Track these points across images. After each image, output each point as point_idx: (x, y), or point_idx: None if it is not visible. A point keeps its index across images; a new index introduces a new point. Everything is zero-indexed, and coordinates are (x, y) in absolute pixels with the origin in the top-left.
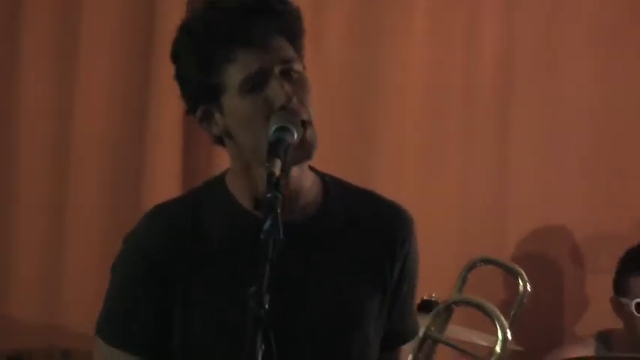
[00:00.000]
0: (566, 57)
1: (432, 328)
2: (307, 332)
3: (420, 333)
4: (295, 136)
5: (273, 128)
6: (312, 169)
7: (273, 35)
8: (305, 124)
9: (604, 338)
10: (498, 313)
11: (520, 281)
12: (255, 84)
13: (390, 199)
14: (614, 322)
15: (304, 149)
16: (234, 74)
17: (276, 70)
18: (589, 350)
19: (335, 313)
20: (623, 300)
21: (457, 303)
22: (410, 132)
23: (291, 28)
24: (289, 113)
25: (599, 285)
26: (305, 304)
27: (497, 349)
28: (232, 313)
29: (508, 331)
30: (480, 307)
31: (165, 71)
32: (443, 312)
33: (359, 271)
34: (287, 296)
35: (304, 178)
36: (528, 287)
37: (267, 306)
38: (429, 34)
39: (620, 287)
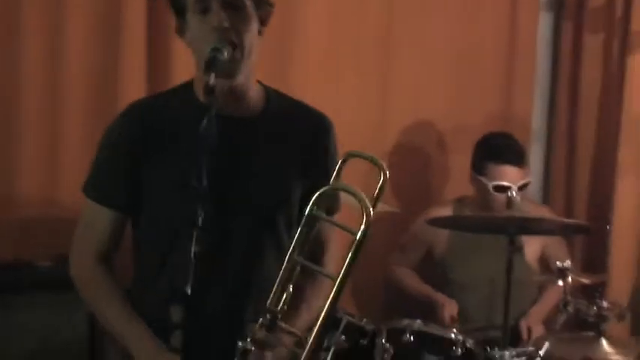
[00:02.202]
0: None
1: (315, 208)
2: (244, 202)
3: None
4: (225, 54)
5: (209, 47)
6: (259, 82)
7: None
8: (235, 46)
9: (460, 202)
10: (363, 196)
11: (380, 170)
12: (203, 7)
13: (317, 109)
14: (468, 190)
15: (232, 66)
16: None
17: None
18: (448, 211)
19: (267, 190)
20: (482, 178)
21: (329, 190)
22: (317, 53)
23: None
24: (220, 35)
25: (459, 163)
26: (245, 179)
27: (362, 226)
28: (183, 182)
29: (371, 210)
30: (347, 191)
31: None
32: (321, 196)
33: (289, 162)
34: (233, 171)
35: (248, 86)
36: (387, 175)
37: (205, 182)
38: None
39: (478, 168)
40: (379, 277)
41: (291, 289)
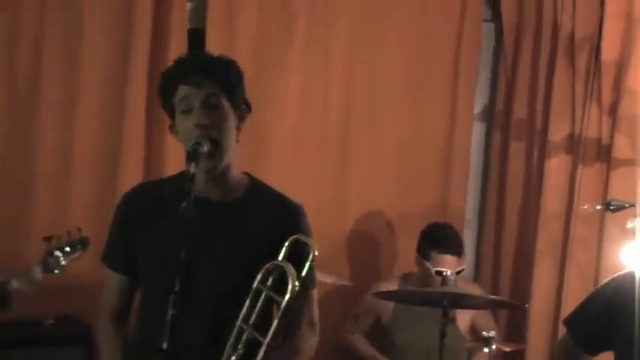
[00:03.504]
0: (388, 99)
1: (260, 283)
2: (211, 278)
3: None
4: (205, 148)
5: (191, 142)
6: (247, 174)
7: (204, 80)
8: (214, 141)
9: (404, 278)
10: (293, 271)
11: (311, 251)
12: (186, 106)
13: (292, 200)
14: (412, 267)
15: (211, 160)
16: (177, 97)
17: (199, 101)
18: (394, 285)
19: (230, 270)
20: (426, 263)
21: (270, 266)
22: (287, 142)
23: (221, 77)
24: (201, 131)
25: (404, 245)
26: (214, 259)
27: (287, 295)
28: (163, 255)
29: (297, 283)
30: (282, 266)
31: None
32: (267, 272)
33: (257, 247)
34: (204, 252)
35: (229, 174)
36: (316, 253)
37: (183, 256)
38: (302, 81)
39: (423, 253)
40: (335, 340)
41: (240, 352)
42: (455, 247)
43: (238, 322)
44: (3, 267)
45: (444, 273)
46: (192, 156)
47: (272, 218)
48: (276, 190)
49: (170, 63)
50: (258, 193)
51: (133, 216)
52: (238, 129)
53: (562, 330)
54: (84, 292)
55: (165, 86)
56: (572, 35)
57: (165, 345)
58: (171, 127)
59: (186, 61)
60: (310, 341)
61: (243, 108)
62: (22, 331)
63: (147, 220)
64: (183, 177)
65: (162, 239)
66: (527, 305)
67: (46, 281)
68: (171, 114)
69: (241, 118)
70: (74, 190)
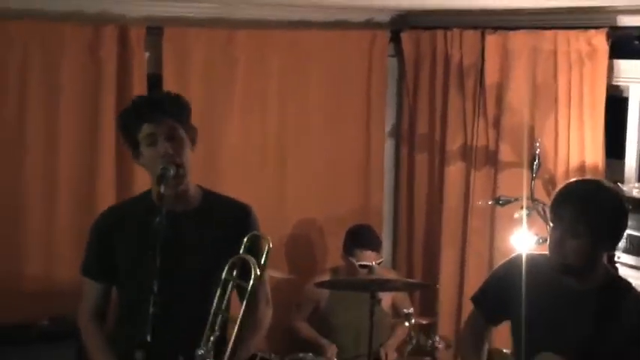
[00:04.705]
0: (315, 123)
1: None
2: (183, 272)
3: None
4: (172, 172)
5: (159, 167)
6: (198, 185)
7: (164, 117)
8: (178, 165)
9: (334, 270)
10: (254, 261)
11: (266, 244)
12: (151, 141)
13: (242, 202)
14: (339, 262)
15: (177, 180)
16: (142, 135)
17: (162, 135)
18: (327, 276)
19: (200, 267)
20: (351, 258)
21: (235, 259)
22: (233, 162)
23: (176, 112)
24: (167, 159)
25: (333, 243)
26: (185, 260)
27: (251, 281)
28: (140, 261)
29: (258, 271)
30: (246, 259)
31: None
32: (233, 264)
33: (218, 245)
34: (177, 254)
35: (188, 188)
36: (271, 245)
37: (158, 261)
38: (243, 112)
39: (348, 250)
40: (283, 325)
41: (217, 333)
42: (374, 244)
43: (213, 309)
44: None
45: (368, 265)
46: (161, 179)
47: (228, 219)
48: (225, 195)
49: None
50: (211, 199)
51: (106, 232)
52: (192, 150)
53: (466, 305)
54: (73, 295)
55: (129, 125)
56: (460, 64)
57: (149, 338)
58: (135, 156)
59: (145, 103)
60: (268, 313)
61: (193, 133)
62: (20, 332)
63: (120, 234)
64: (148, 196)
65: (137, 249)
66: (437, 286)
67: (39, 287)
68: (134, 146)
69: (193, 141)
70: (58, 212)
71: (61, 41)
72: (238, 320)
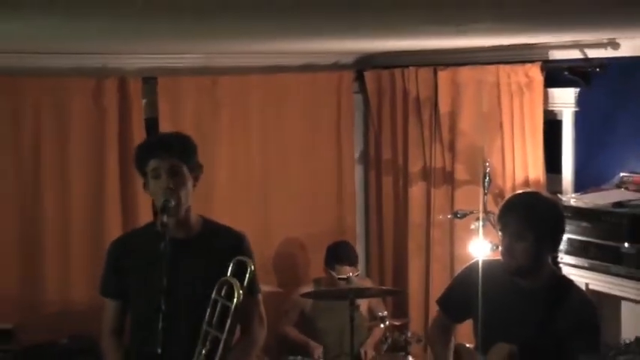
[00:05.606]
0: (292, 154)
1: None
2: (185, 296)
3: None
4: (173, 203)
5: (162, 199)
6: (200, 215)
7: (168, 154)
8: (178, 199)
9: (317, 281)
10: (237, 283)
11: (248, 267)
12: (156, 174)
13: (237, 230)
14: (321, 273)
15: (176, 210)
16: (149, 169)
17: (165, 169)
18: (310, 287)
19: (197, 288)
20: (331, 272)
21: (222, 281)
22: (224, 192)
23: (180, 151)
24: (169, 192)
25: (314, 257)
26: (185, 281)
27: (235, 299)
28: (147, 283)
29: (241, 292)
30: (230, 281)
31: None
32: (221, 285)
33: (214, 269)
34: (179, 277)
35: (189, 218)
36: (253, 269)
37: (165, 282)
38: (229, 148)
39: (329, 265)
40: (274, 331)
41: (208, 347)
42: (351, 259)
43: (204, 326)
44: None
45: (346, 277)
46: (164, 209)
47: (224, 245)
48: (223, 224)
49: (134, 145)
50: (210, 228)
51: (120, 256)
52: (194, 185)
53: (433, 306)
54: (89, 315)
55: (140, 159)
56: (417, 97)
57: (159, 350)
58: (145, 185)
59: (155, 141)
60: (261, 333)
61: (198, 170)
62: (43, 351)
63: (130, 259)
64: (153, 225)
65: (145, 271)
66: (407, 291)
67: (59, 309)
68: (144, 176)
69: (196, 178)
70: (72, 243)
71: (69, 93)
72: (223, 336)
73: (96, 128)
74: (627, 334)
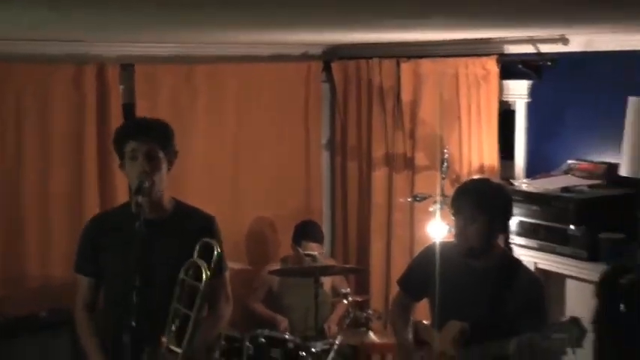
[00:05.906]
0: (264, 140)
1: (185, 275)
2: (157, 274)
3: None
4: (147, 184)
5: (137, 180)
6: (172, 197)
7: (146, 136)
8: (153, 181)
9: (284, 260)
10: (204, 264)
11: (215, 249)
12: (133, 156)
13: (207, 212)
14: (288, 252)
15: (150, 192)
16: (127, 149)
17: (143, 152)
18: (278, 265)
19: (168, 267)
20: (299, 249)
21: (190, 262)
22: (198, 175)
23: (158, 136)
24: (144, 175)
25: (283, 236)
26: (157, 260)
27: (204, 279)
28: (122, 260)
29: (208, 272)
30: (198, 262)
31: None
32: (188, 266)
33: (184, 248)
34: (153, 256)
35: (162, 199)
36: (220, 250)
37: (140, 262)
38: (205, 133)
39: (296, 242)
40: (242, 306)
41: (177, 323)
42: (317, 237)
43: (174, 304)
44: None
45: (313, 254)
46: (138, 190)
47: (195, 227)
48: (194, 206)
49: (111, 128)
50: (182, 209)
51: (94, 236)
52: (169, 169)
53: (393, 284)
54: (67, 290)
55: (120, 139)
56: (381, 87)
57: (134, 323)
58: (121, 165)
59: (136, 124)
60: (227, 310)
61: (173, 156)
62: (23, 323)
63: (106, 238)
64: (129, 206)
65: (120, 250)
66: (369, 269)
67: (39, 284)
68: (121, 156)
69: (171, 163)
70: (52, 220)
71: (49, 79)
72: (193, 313)
73: (76, 112)
74: (571, 309)
